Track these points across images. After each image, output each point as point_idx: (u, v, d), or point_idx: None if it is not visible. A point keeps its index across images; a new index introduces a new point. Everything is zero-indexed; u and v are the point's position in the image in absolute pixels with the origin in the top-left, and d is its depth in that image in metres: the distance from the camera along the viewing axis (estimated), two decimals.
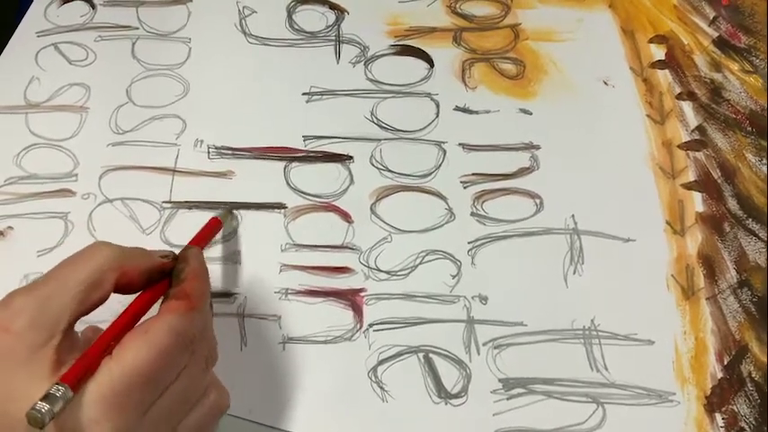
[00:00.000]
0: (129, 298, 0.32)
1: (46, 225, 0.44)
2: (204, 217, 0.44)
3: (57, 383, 0.25)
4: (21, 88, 0.49)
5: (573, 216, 0.46)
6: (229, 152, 0.47)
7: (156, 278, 0.33)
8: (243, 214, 0.45)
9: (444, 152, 0.48)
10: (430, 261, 0.44)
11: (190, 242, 0.38)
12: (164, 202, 0.45)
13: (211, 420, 0.32)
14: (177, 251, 0.34)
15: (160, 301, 0.32)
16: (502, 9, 0.55)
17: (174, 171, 0.46)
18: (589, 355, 0.41)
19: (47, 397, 0.25)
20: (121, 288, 0.31)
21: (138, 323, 0.30)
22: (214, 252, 0.43)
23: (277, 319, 0.42)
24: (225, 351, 0.40)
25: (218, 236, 0.43)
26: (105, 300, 0.30)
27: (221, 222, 0.42)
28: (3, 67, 0.50)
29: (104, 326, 0.30)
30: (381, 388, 0.40)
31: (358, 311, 0.42)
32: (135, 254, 0.32)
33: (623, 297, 0.43)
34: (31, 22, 0.52)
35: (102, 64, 0.51)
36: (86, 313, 0.29)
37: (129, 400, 0.27)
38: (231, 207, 0.45)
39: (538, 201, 0.46)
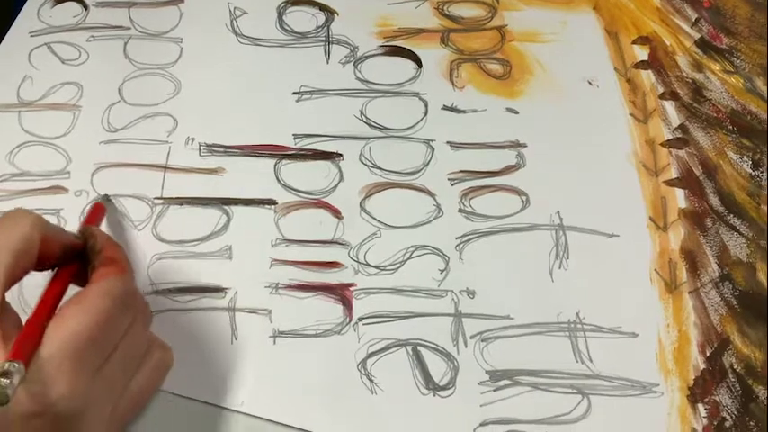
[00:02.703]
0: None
1: None
2: (195, 212, 0.45)
3: (9, 361, 0.26)
4: (14, 87, 0.49)
5: (558, 212, 0.46)
6: (220, 150, 0.48)
7: (69, 256, 0.33)
8: (234, 210, 0.45)
9: (432, 150, 0.49)
10: (418, 256, 0.45)
11: (83, 224, 0.39)
12: (155, 198, 0.45)
13: (160, 376, 0.33)
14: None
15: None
16: (488, 11, 0.56)
17: (165, 168, 0.47)
18: (574, 348, 0.42)
19: (5, 374, 0.25)
20: (40, 259, 0.31)
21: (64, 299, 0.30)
22: (205, 247, 0.44)
23: (267, 313, 0.42)
24: (216, 345, 0.41)
25: (209, 231, 0.44)
26: (33, 266, 0.30)
27: (104, 207, 0.43)
28: None
29: None
30: (370, 380, 0.40)
31: (347, 305, 0.43)
32: (54, 225, 0.32)
33: (608, 291, 0.44)
34: (24, 22, 0.53)
35: (95, 63, 0.51)
36: (16, 281, 0.29)
37: (79, 363, 0.28)
38: (106, 195, 0.45)
39: (524, 197, 0.47)
